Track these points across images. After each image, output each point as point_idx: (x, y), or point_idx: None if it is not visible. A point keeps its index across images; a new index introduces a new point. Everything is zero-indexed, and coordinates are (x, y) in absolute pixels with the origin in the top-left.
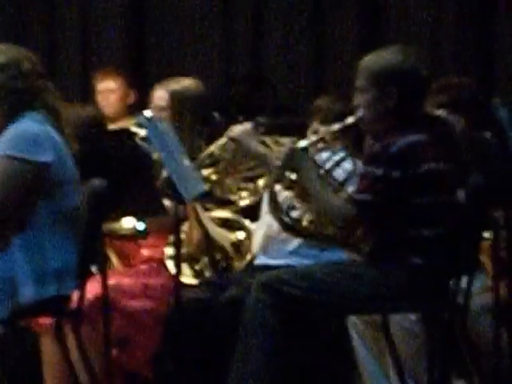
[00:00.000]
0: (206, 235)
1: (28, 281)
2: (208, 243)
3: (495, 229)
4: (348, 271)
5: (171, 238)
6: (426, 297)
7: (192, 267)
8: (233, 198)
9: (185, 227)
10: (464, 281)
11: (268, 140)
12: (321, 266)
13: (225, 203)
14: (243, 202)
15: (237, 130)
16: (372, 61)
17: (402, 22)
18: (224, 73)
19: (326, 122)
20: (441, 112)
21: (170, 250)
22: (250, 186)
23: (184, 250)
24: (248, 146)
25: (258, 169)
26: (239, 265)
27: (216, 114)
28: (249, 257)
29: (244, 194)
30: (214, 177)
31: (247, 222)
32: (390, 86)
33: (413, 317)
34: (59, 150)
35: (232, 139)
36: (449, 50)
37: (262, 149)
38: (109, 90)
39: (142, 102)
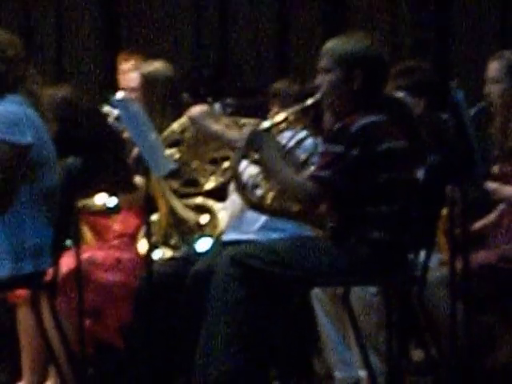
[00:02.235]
0: (172, 210)
1: (6, 257)
2: (174, 218)
3: (451, 206)
4: (312, 246)
5: (144, 230)
6: (386, 270)
7: (167, 244)
8: (200, 179)
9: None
10: (422, 255)
11: (229, 121)
12: (286, 241)
13: (192, 184)
14: (209, 185)
15: (195, 110)
16: (338, 44)
17: (363, 8)
18: (194, 56)
19: (285, 104)
20: (401, 94)
21: (144, 242)
22: (216, 167)
23: (158, 234)
24: (205, 126)
25: (222, 150)
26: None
27: (186, 96)
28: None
29: (210, 176)
30: (177, 156)
31: (213, 204)
32: (355, 69)
33: (373, 290)
34: (39, 132)
35: (190, 119)
36: (407, 36)
37: (218, 127)
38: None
39: (115, 84)
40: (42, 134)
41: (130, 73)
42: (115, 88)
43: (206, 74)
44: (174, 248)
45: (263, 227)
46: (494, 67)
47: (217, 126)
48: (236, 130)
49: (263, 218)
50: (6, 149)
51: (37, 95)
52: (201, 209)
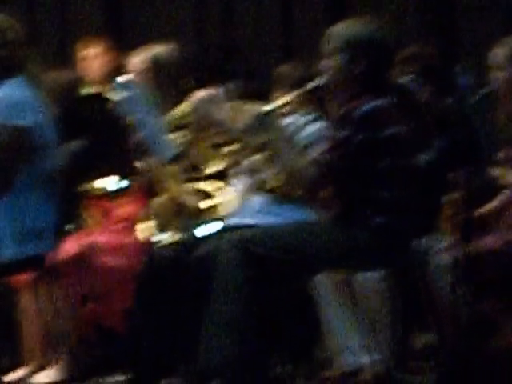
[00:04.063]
0: (173, 195)
1: (8, 240)
2: (175, 202)
3: (455, 191)
4: (315, 230)
5: (144, 210)
6: (389, 255)
7: (168, 229)
8: (201, 164)
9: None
10: (425, 240)
11: (232, 106)
12: (289, 226)
13: (194, 169)
14: (211, 170)
15: (199, 95)
16: (343, 28)
17: None
18: (198, 40)
19: (287, 88)
20: (405, 79)
21: (144, 226)
22: (218, 152)
23: (159, 218)
24: (209, 112)
25: (224, 135)
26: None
27: (189, 80)
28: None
29: (212, 161)
30: (179, 140)
31: (216, 189)
32: (359, 54)
33: (376, 274)
34: (40, 115)
35: (194, 104)
36: (413, 21)
37: (222, 115)
38: (92, 57)
39: (119, 68)
40: (42, 117)
41: (94, 59)
42: (119, 72)
43: (210, 58)
44: (174, 233)
45: (264, 211)
46: (497, 54)
47: (221, 114)
48: (240, 118)
49: (264, 202)
50: (7, 132)
51: (38, 78)
52: (202, 194)
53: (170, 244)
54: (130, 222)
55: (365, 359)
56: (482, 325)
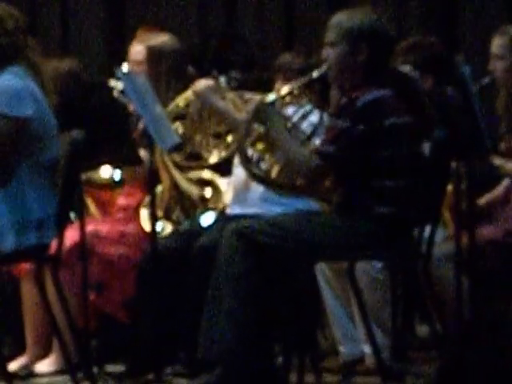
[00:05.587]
0: (175, 184)
1: (10, 230)
2: (177, 191)
3: (456, 181)
4: (316, 220)
5: (147, 199)
6: (391, 245)
7: (169, 218)
8: (203, 153)
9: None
10: (427, 230)
11: (233, 95)
12: (291, 215)
13: (196, 158)
14: (212, 159)
15: (200, 84)
16: (345, 17)
17: None
18: (199, 28)
19: (289, 77)
20: (407, 69)
21: (145, 214)
22: (220, 141)
23: (161, 208)
24: (210, 101)
25: (226, 124)
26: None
27: (190, 68)
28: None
29: (214, 150)
30: (180, 129)
31: (217, 178)
32: (361, 43)
33: (378, 264)
34: (40, 104)
35: (195, 94)
36: (414, 10)
37: (223, 104)
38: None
39: (120, 57)
40: (42, 106)
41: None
42: (121, 61)
43: (212, 47)
44: (175, 222)
45: (266, 200)
46: (497, 43)
47: (222, 103)
48: (241, 107)
49: (266, 191)
50: (6, 122)
51: (38, 67)
52: (204, 183)
53: (173, 233)
54: (132, 211)
55: (366, 348)
56: (484, 316)
